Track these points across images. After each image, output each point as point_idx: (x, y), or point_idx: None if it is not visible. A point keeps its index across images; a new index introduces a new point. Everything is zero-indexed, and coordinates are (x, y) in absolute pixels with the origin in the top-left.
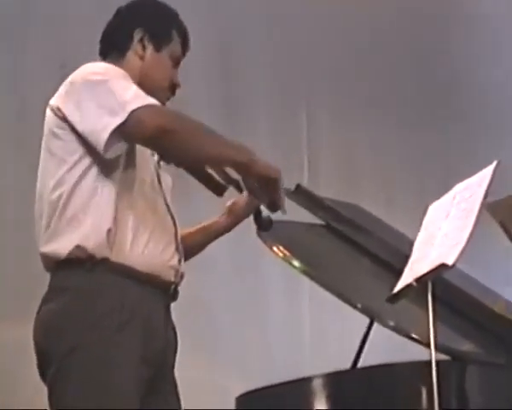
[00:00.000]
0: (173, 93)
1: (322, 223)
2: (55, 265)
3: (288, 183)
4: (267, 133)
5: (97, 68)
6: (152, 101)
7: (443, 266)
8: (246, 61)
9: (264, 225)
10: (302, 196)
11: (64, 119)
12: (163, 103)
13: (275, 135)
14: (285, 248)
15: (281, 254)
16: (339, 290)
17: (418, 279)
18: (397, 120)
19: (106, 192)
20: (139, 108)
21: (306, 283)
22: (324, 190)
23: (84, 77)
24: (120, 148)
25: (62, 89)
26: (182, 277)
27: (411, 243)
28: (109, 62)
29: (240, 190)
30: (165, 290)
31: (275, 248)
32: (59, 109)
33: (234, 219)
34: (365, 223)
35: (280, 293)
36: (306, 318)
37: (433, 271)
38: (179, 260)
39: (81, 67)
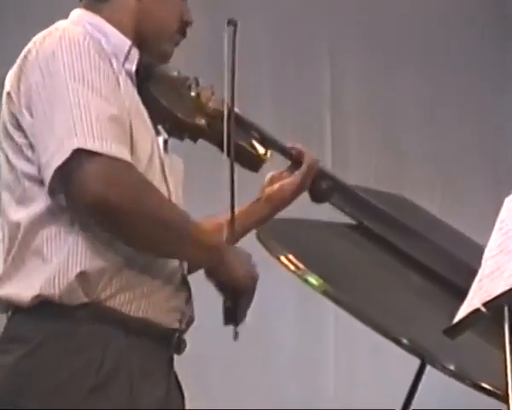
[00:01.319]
0: (184, 34)
1: (352, 222)
2: (14, 308)
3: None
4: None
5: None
6: (120, 151)
7: None
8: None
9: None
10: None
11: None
12: (170, 54)
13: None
14: (298, 258)
15: (292, 268)
16: (374, 319)
17: (489, 303)
18: (453, 72)
19: (79, 220)
20: (88, 154)
21: (330, 307)
22: (354, 170)
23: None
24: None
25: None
26: (190, 322)
27: (480, 251)
28: (89, 9)
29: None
30: (166, 341)
31: (283, 259)
32: None
33: (275, 202)
34: (414, 222)
35: (291, 320)
36: (330, 354)
37: (511, 290)
38: (186, 299)
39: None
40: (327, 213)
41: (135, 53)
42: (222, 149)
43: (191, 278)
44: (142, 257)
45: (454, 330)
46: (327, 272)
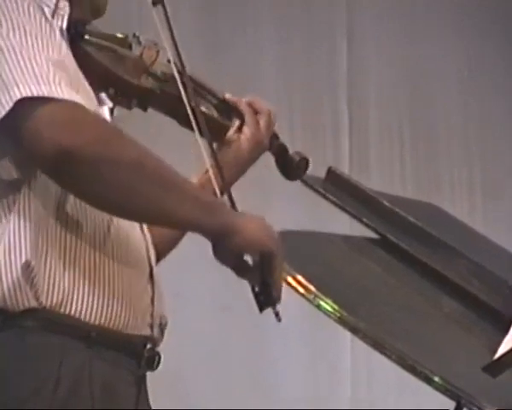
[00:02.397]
0: None
1: (374, 236)
2: None
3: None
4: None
5: None
6: (70, 94)
7: None
8: None
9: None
10: (338, 187)
11: None
12: (102, 4)
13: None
14: (308, 279)
15: (301, 290)
16: (399, 352)
17: None
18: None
19: (23, 202)
20: (35, 100)
21: (347, 336)
22: (376, 172)
23: None
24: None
25: None
26: (163, 325)
27: None
28: None
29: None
30: (136, 353)
31: (291, 281)
32: None
33: (237, 165)
34: (447, 236)
35: (300, 353)
36: (346, 390)
37: None
38: (153, 298)
39: None
40: (346, 224)
41: (64, 6)
42: (174, 118)
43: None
44: (102, 248)
45: (496, 367)
46: (343, 296)
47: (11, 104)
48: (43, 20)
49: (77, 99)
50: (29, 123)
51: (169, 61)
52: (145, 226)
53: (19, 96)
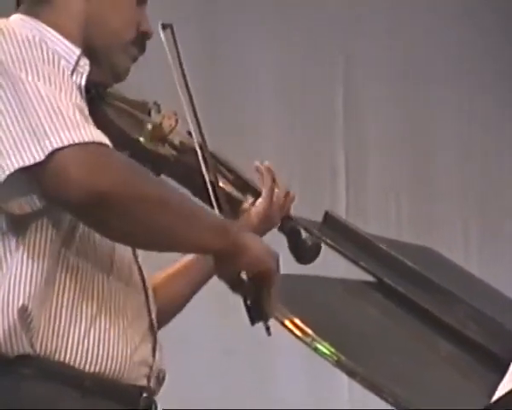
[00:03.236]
0: (143, 48)
1: (370, 279)
2: None
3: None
4: None
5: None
6: (97, 134)
7: None
8: None
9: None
10: (335, 230)
11: None
12: (124, 69)
13: None
14: (305, 322)
15: (298, 334)
16: (398, 396)
17: None
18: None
19: (21, 246)
20: (66, 149)
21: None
22: (372, 215)
23: None
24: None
25: None
26: (161, 378)
27: None
28: (29, 15)
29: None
30: (132, 403)
31: (288, 324)
32: None
33: None
34: (444, 279)
35: (303, 392)
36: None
37: None
38: (154, 348)
39: None
40: (342, 268)
41: (85, 64)
42: (188, 187)
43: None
44: (101, 295)
45: (495, 408)
46: (340, 340)
47: (43, 157)
48: (66, 70)
49: (103, 139)
50: (59, 170)
51: (189, 133)
52: (147, 281)
53: (50, 149)
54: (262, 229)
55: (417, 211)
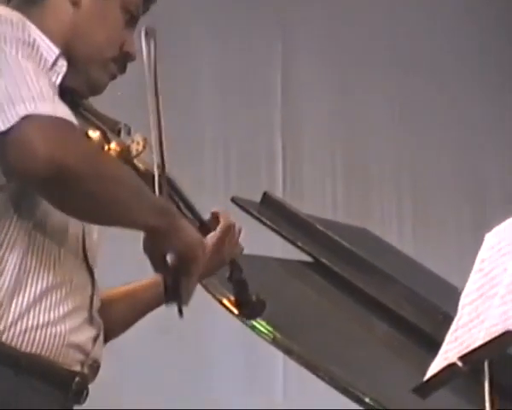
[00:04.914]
0: (123, 68)
1: (308, 259)
2: None
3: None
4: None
5: None
6: (66, 112)
7: (509, 336)
8: None
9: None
10: (273, 211)
11: None
12: (101, 84)
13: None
14: None
15: (236, 312)
16: (332, 373)
17: (467, 357)
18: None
19: None
20: (35, 117)
21: (279, 357)
22: (309, 197)
23: None
24: None
25: None
26: (95, 368)
27: (457, 295)
28: (17, 10)
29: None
30: (64, 386)
31: (227, 303)
32: None
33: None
34: (379, 260)
35: (238, 370)
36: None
37: (492, 342)
38: (94, 339)
39: None
40: (279, 248)
41: (62, 65)
42: None
43: None
44: (42, 279)
45: (425, 388)
46: (277, 318)
47: (13, 121)
48: (44, 61)
49: (71, 117)
50: (24, 138)
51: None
52: (95, 273)
53: (24, 113)
54: (213, 263)
55: (353, 193)
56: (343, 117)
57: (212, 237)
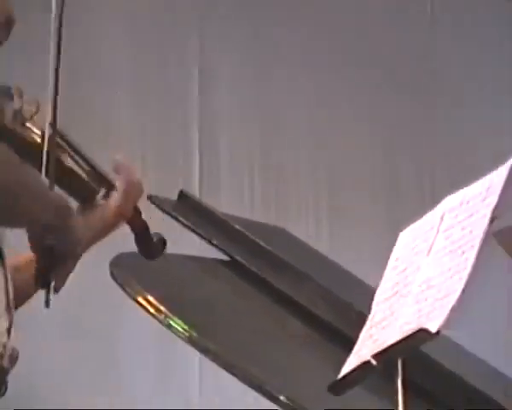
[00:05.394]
0: (7, 34)
1: (223, 257)
2: None
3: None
4: None
5: None
6: None
7: (422, 334)
8: None
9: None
10: (189, 209)
11: None
12: None
13: None
14: (159, 300)
15: (152, 311)
16: (247, 372)
17: (380, 354)
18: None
19: None
20: None
21: (195, 362)
22: (225, 193)
23: None
24: None
25: None
26: (14, 357)
27: (371, 293)
28: None
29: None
30: None
31: (142, 301)
32: None
33: (101, 230)
34: (295, 259)
35: (154, 369)
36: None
37: (405, 340)
38: (9, 328)
39: None
40: (196, 246)
41: None
42: (46, 175)
43: None
44: None
45: (339, 386)
46: (194, 317)
47: None
48: None
49: None
50: None
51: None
52: (7, 261)
53: None
54: (116, 221)
55: (270, 191)
56: (260, 114)
57: (114, 198)
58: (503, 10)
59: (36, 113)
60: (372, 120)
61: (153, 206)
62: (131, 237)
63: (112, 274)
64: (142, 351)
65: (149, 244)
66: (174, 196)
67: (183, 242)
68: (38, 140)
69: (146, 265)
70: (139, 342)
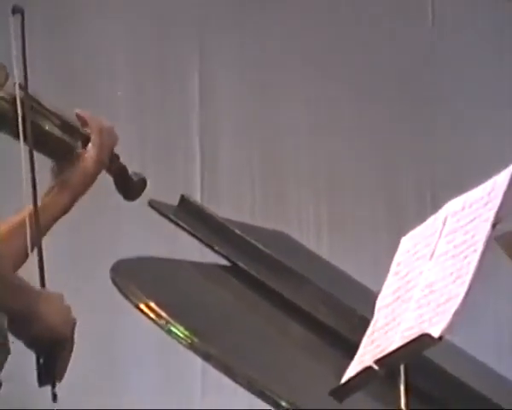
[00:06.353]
0: None
1: (225, 263)
2: None
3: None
4: None
5: None
6: None
7: (425, 339)
8: None
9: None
10: (190, 214)
11: None
12: None
13: None
14: (160, 306)
15: (153, 316)
16: (249, 377)
17: (383, 360)
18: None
19: None
20: None
21: (197, 363)
22: (227, 200)
23: None
24: None
25: None
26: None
27: (374, 298)
28: None
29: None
30: None
31: (143, 307)
32: None
33: (75, 187)
34: (297, 264)
35: (148, 378)
36: None
37: (408, 345)
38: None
39: None
40: (197, 251)
41: None
42: (25, 141)
43: None
44: None
45: (342, 392)
46: (194, 323)
47: None
48: None
49: None
50: None
51: (20, 85)
52: None
53: None
54: (96, 172)
55: (271, 196)
56: (261, 119)
57: (91, 150)
58: (503, 10)
59: (6, 80)
60: (372, 129)
61: (154, 212)
62: (133, 242)
63: (113, 280)
64: (144, 351)
65: (129, 184)
66: (175, 202)
67: (183, 247)
68: (10, 106)
69: (146, 271)
70: (140, 343)
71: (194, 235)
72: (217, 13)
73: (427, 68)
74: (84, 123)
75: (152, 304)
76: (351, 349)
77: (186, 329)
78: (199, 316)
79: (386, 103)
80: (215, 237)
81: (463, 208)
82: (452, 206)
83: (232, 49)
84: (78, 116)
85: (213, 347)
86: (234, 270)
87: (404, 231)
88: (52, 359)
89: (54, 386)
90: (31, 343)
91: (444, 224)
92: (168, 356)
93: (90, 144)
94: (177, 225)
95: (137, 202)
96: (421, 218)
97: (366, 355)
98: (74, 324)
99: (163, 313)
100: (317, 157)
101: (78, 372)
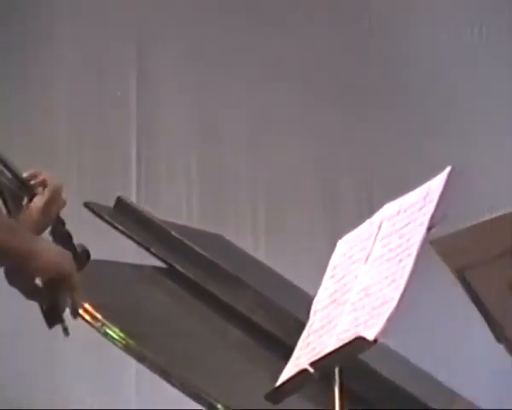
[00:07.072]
0: None
1: (162, 265)
2: None
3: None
4: None
5: None
6: None
7: (359, 342)
8: None
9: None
10: (126, 216)
11: None
12: None
13: None
14: (96, 307)
15: (88, 318)
16: (184, 380)
17: (318, 362)
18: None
19: None
20: None
21: (132, 365)
22: (164, 202)
23: None
24: None
25: None
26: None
27: (309, 302)
28: None
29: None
30: None
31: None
32: None
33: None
34: (234, 267)
35: (87, 376)
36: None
37: (343, 348)
38: None
39: None
40: (133, 253)
41: None
42: None
43: None
44: None
45: (277, 394)
46: (130, 325)
47: None
48: None
49: None
50: None
51: None
52: None
53: None
54: (42, 224)
55: (208, 199)
56: (199, 122)
57: (40, 200)
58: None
59: None
60: (310, 132)
61: (90, 213)
62: None
63: None
64: (78, 350)
65: (73, 255)
66: (111, 204)
67: (119, 249)
68: None
69: (82, 273)
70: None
71: (130, 237)
72: (155, 12)
73: (365, 70)
74: (27, 182)
75: (87, 306)
76: (286, 352)
77: (121, 331)
78: (134, 318)
79: (325, 107)
80: (152, 239)
81: (399, 213)
82: (388, 210)
83: (171, 49)
84: (32, 174)
85: (149, 349)
86: (171, 272)
87: (341, 234)
88: (55, 299)
89: (63, 323)
90: (31, 290)
91: (379, 228)
92: (102, 355)
93: (38, 196)
94: (113, 226)
95: (73, 202)
96: (359, 221)
97: (301, 358)
98: (71, 257)
99: (98, 315)
100: (256, 160)
101: (16, 369)
